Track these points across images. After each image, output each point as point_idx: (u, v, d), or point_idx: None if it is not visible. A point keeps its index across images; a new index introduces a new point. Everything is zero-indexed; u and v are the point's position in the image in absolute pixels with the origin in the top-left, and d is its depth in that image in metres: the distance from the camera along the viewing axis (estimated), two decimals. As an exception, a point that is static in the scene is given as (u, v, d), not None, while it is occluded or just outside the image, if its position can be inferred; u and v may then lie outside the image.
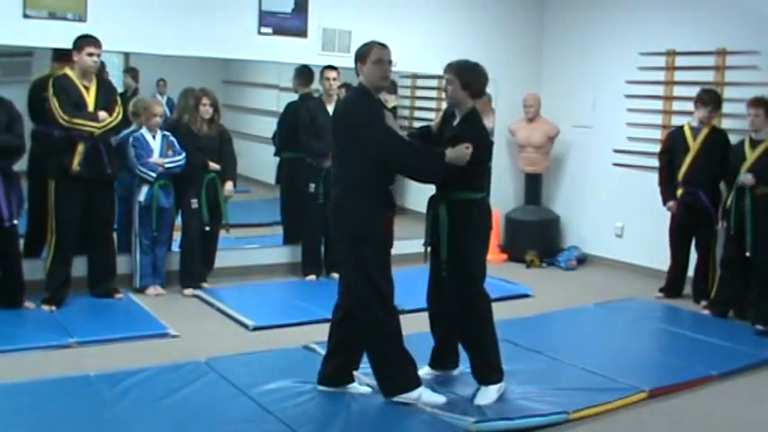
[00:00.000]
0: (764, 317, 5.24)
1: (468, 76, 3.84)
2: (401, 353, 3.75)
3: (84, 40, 5.06)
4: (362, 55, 3.75)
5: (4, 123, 4.78)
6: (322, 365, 3.93)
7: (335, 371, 3.89)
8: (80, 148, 5.04)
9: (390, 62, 3.79)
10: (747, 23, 6.15)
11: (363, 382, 3.95)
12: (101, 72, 5.36)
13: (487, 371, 3.89)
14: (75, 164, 5.04)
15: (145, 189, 5.56)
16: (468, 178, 3.81)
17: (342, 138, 3.76)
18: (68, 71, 5.10)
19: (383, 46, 3.78)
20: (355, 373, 3.95)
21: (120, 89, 5.88)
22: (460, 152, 3.71)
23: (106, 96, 5.18)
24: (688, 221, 5.98)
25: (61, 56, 5.37)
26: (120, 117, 5.22)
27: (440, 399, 3.79)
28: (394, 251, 3.81)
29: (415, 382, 3.77)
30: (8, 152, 4.80)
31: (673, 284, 6.19)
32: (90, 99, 5.10)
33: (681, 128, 6.01)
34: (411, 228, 5.55)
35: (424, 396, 3.76)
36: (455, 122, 3.91)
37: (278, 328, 4.97)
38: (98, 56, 5.10)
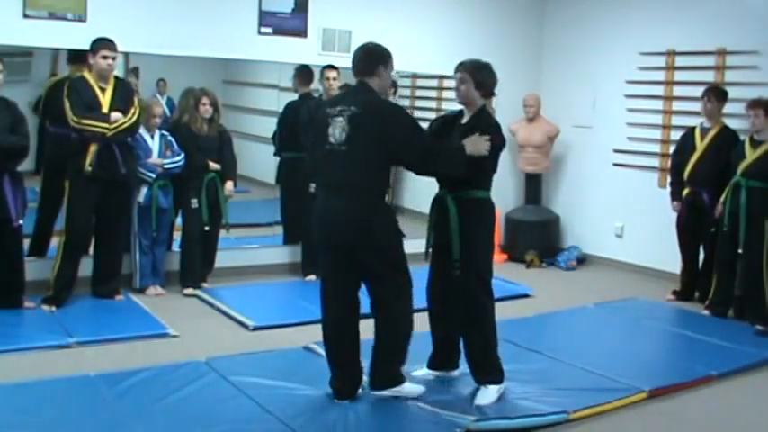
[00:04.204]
0: (761, 316, 5.23)
1: (481, 76, 3.87)
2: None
3: (99, 43, 5.09)
4: (388, 59, 3.76)
5: (9, 125, 4.79)
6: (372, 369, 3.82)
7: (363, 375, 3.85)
8: (92, 148, 5.06)
9: None
10: (747, 23, 6.15)
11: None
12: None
13: (489, 369, 3.90)
14: (87, 164, 5.05)
15: (144, 189, 5.55)
16: (479, 176, 3.80)
17: (367, 138, 3.60)
18: (86, 73, 5.14)
19: None
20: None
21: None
22: (478, 143, 3.70)
23: (122, 98, 5.20)
24: (693, 221, 5.92)
25: (76, 58, 5.41)
26: (135, 118, 5.23)
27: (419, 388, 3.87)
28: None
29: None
30: (15, 153, 4.81)
31: (687, 287, 6.07)
32: (105, 101, 5.12)
33: (693, 128, 5.96)
34: (408, 227, 5.51)
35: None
36: (464, 120, 3.91)
37: (278, 328, 4.97)
38: (113, 59, 5.13)
